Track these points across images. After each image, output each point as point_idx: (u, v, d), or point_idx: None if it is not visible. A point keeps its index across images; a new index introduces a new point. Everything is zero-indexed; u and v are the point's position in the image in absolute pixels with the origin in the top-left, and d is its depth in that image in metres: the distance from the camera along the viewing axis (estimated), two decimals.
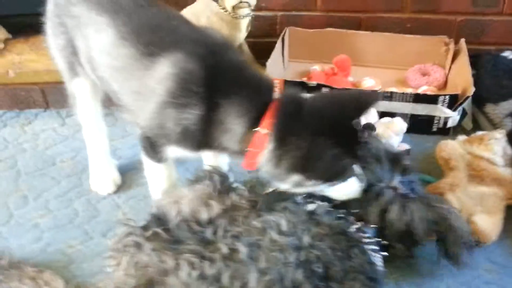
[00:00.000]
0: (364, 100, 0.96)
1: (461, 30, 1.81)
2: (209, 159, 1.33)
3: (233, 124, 0.98)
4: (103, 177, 1.39)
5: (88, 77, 1.22)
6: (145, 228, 0.94)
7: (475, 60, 1.69)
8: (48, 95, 1.71)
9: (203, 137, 0.99)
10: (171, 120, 0.98)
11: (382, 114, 1.55)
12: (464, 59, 1.64)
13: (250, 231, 0.90)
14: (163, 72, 0.98)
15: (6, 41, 1.82)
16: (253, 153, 0.99)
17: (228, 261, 0.85)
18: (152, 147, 1.10)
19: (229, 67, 1.01)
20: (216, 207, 0.95)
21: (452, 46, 1.76)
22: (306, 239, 0.89)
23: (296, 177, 0.96)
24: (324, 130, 0.93)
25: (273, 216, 0.92)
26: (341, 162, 0.95)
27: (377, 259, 0.95)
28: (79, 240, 1.24)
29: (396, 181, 1.07)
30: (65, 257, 1.19)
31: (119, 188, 1.40)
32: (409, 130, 1.56)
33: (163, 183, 1.20)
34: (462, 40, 1.73)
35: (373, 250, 0.95)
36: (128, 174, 1.44)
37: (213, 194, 0.99)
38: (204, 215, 0.94)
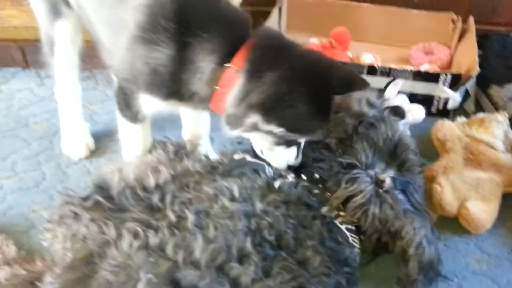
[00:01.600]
0: (352, 81, 0.91)
1: (471, 7, 1.69)
2: (189, 126, 1.25)
3: (202, 61, 0.90)
4: (75, 141, 1.31)
5: (70, 18, 1.15)
6: (85, 198, 0.86)
7: (483, 40, 1.59)
8: (28, 54, 1.62)
9: (173, 81, 0.91)
10: (139, 59, 0.90)
11: (379, 91, 1.46)
12: (471, 39, 1.53)
13: (201, 197, 0.83)
14: (135, 2, 0.90)
15: None
16: (221, 93, 0.92)
17: (175, 230, 0.78)
18: (126, 101, 1.02)
19: (203, 3, 0.93)
20: (165, 173, 0.88)
21: (459, 25, 1.64)
22: (259, 206, 0.82)
23: (255, 117, 0.89)
24: (302, 84, 0.88)
25: (226, 181, 0.85)
26: (308, 120, 0.89)
27: (351, 239, 0.87)
28: (43, 205, 1.17)
29: (387, 175, 0.96)
30: (26, 222, 1.12)
31: (92, 154, 1.32)
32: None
33: (137, 147, 1.13)
34: (471, 18, 1.61)
35: (348, 229, 0.87)
36: (103, 140, 1.36)
37: (164, 161, 0.91)
38: (151, 181, 0.86)
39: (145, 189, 0.87)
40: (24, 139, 1.36)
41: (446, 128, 1.25)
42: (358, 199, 0.89)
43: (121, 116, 1.08)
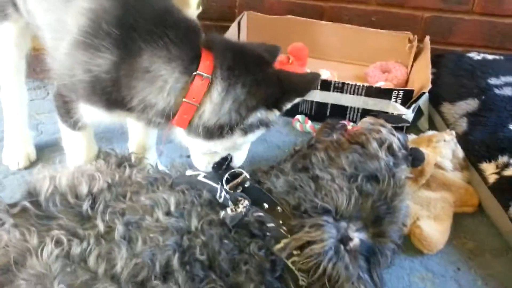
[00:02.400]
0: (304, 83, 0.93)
1: (428, 27, 1.72)
2: (135, 137, 1.22)
3: (161, 70, 0.85)
4: (16, 150, 1.27)
5: (17, 22, 1.12)
6: (13, 204, 0.81)
7: (438, 59, 1.61)
8: None
9: (116, 90, 0.87)
10: (80, 65, 0.86)
11: (332, 107, 1.45)
12: (425, 57, 1.54)
13: (135, 208, 0.79)
14: (79, 6, 0.87)
15: None
16: (188, 105, 0.87)
17: (102, 240, 0.74)
18: (66, 107, 0.98)
19: (153, 9, 0.89)
20: (100, 181, 0.83)
21: (415, 44, 1.66)
22: (195, 223, 0.77)
23: (242, 124, 0.91)
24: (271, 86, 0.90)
25: (165, 194, 0.80)
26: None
27: (301, 281, 0.80)
28: None
29: (358, 235, 0.86)
30: None
31: (33, 164, 1.27)
32: None
33: (81, 155, 1.09)
34: (427, 38, 1.63)
35: (299, 269, 0.81)
36: (47, 150, 1.32)
37: (102, 170, 0.87)
38: (83, 189, 0.81)
39: (76, 196, 0.82)
40: None
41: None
42: (316, 248, 0.81)
43: (61, 123, 1.04)
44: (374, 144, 0.96)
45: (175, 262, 0.71)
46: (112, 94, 0.88)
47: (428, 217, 1.12)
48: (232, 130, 0.91)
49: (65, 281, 0.67)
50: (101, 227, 0.75)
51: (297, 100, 0.94)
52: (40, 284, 0.68)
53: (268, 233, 0.82)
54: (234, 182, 0.93)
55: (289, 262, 0.81)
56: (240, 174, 0.94)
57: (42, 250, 0.71)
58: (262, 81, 0.89)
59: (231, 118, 0.89)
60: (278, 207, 0.87)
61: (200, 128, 0.90)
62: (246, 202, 0.85)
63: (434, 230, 1.10)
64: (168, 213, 0.78)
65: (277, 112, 0.94)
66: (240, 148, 1.03)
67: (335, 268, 0.80)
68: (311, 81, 0.94)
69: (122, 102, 0.89)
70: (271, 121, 0.96)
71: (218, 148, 0.96)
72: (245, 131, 0.93)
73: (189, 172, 0.91)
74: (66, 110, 0.99)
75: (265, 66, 0.92)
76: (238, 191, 0.90)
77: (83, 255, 0.71)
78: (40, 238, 0.73)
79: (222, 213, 0.81)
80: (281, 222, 0.85)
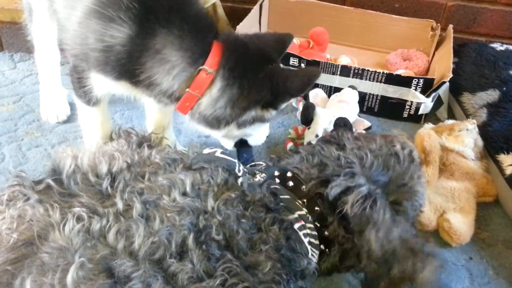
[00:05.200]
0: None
1: (452, 16, 1.69)
2: (152, 116, 1.24)
3: (171, 56, 0.90)
4: (53, 105, 1.35)
5: None
6: (38, 181, 0.84)
7: (460, 48, 1.59)
8: (3, 37, 1.60)
9: (128, 63, 0.90)
10: (93, 34, 0.89)
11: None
12: (448, 46, 1.52)
13: (153, 188, 0.80)
14: None
15: None
16: (191, 95, 0.93)
17: (121, 217, 0.75)
18: (79, 81, 1.01)
19: None
20: (120, 160, 0.85)
21: (438, 32, 1.63)
22: (211, 203, 0.78)
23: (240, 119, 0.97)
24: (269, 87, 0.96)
25: (183, 175, 0.82)
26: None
27: (311, 253, 0.83)
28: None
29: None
30: None
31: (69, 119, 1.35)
32: (378, 114, 1.46)
33: (96, 131, 1.12)
34: (450, 27, 1.61)
35: (310, 243, 0.84)
36: None
37: (122, 150, 0.89)
38: (103, 168, 0.83)
39: (97, 175, 0.84)
40: None
41: (433, 140, 1.20)
42: (358, 192, 0.82)
43: (76, 98, 1.07)
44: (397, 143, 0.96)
45: (190, 241, 0.73)
46: (123, 65, 0.91)
47: (454, 209, 1.12)
48: (227, 123, 0.98)
49: (86, 255, 0.69)
50: (120, 205, 0.77)
51: (292, 100, 0.99)
52: (62, 257, 0.69)
53: (282, 204, 0.84)
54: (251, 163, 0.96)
55: (301, 233, 0.83)
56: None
57: (64, 225, 0.74)
58: (258, 83, 0.95)
59: (226, 113, 0.96)
60: (290, 182, 0.89)
61: (198, 115, 0.97)
62: (263, 175, 0.88)
63: (461, 222, 1.09)
64: (184, 194, 0.79)
65: (272, 111, 1.01)
66: (251, 134, 1.07)
67: (379, 210, 0.81)
68: (306, 82, 0.97)
69: (130, 74, 0.93)
70: (268, 118, 1.02)
71: (218, 136, 1.05)
72: (240, 125, 0.99)
73: (206, 150, 0.92)
74: (80, 84, 1.02)
75: (265, 66, 0.96)
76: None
77: (103, 231, 0.73)
78: (63, 214, 0.75)
79: (240, 179, 0.84)
80: (303, 188, 0.87)
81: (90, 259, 0.68)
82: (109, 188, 0.80)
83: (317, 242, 0.85)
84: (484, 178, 1.20)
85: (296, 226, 0.82)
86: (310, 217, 0.85)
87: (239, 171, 0.86)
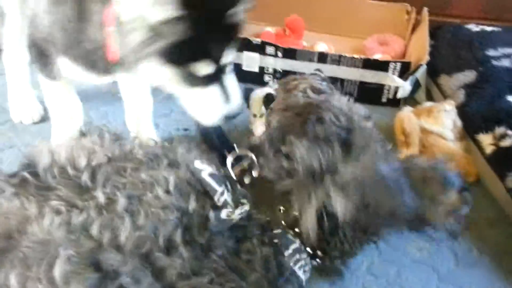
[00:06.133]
0: None
1: None
2: (131, 110, 1.21)
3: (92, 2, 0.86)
4: (25, 106, 1.32)
5: None
6: (12, 175, 0.81)
7: (436, 31, 1.59)
8: None
9: (78, 38, 0.89)
10: (54, 17, 0.90)
11: (330, 80, 1.44)
12: (424, 29, 1.53)
13: (136, 183, 0.78)
14: None
15: None
16: (108, 33, 0.85)
17: (103, 211, 0.73)
18: (40, 53, 1.00)
19: None
20: (100, 154, 0.82)
21: (413, 16, 1.64)
22: (192, 205, 0.76)
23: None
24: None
25: (166, 172, 0.80)
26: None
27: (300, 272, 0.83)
28: None
29: None
30: None
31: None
32: (357, 100, 1.44)
33: (64, 110, 1.10)
34: (425, 10, 1.61)
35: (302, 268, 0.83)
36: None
37: (100, 144, 0.86)
38: (82, 161, 0.80)
39: (75, 168, 0.81)
40: None
41: (413, 123, 1.22)
42: None
43: (40, 73, 1.05)
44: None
45: (178, 237, 0.71)
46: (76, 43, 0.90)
47: None
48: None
49: (69, 248, 0.67)
50: (101, 199, 0.74)
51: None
52: (44, 251, 0.67)
53: (275, 240, 0.81)
54: (240, 167, 0.91)
55: (296, 268, 0.81)
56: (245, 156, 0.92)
57: (42, 218, 0.71)
58: None
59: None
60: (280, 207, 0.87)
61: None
62: (245, 208, 0.82)
63: None
64: (167, 192, 0.77)
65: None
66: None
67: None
68: None
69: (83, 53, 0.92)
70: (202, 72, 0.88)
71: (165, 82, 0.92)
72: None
73: (198, 164, 0.85)
74: (43, 59, 1.01)
75: None
76: (246, 181, 0.89)
77: (85, 225, 0.71)
78: (40, 207, 0.73)
79: (211, 213, 0.78)
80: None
81: (76, 253, 0.66)
82: (88, 182, 0.77)
83: (309, 266, 0.84)
84: (464, 158, 1.21)
85: (292, 263, 0.81)
86: (303, 247, 0.84)
87: (218, 201, 0.80)
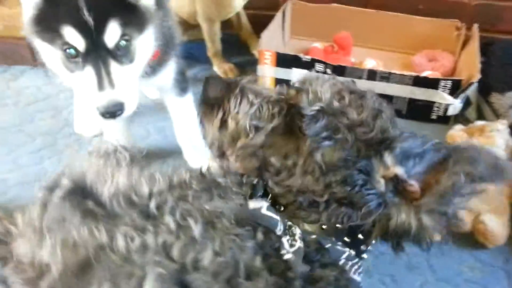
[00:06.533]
0: None
1: (476, 15, 1.68)
2: (179, 129, 1.27)
3: None
4: (87, 120, 1.35)
5: None
6: (79, 202, 0.80)
7: (486, 47, 1.58)
8: (36, 53, 1.65)
9: None
10: None
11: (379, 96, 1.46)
12: (474, 46, 1.53)
13: (202, 211, 0.77)
14: None
15: None
16: None
17: (180, 234, 0.73)
18: None
19: None
20: (161, 182, 0.83)
21: (463, 32, 1.64)
22: (260, 237, 0.75)
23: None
24: None
25: (225, 203, 0.79)
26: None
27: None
28: None
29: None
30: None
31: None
32: (406, 116, 1.47)
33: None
34: (475, 26, 1.61)
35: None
36: None
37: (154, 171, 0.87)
38: (145, 189, 0.81)
39: (139, 195, 0.81)
40: (29, 134, 1.40)
41: (465, 140, 1.23)
42: None
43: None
44: None
45: (258, 263, 0.71)
46: None
47: (488, 211, 1.12)
48: None
49: (156, 271, 0.67)
50: (172, 225, 0.74)
51: None
52: (127, 272, 0.68)
53: (333, 258, 0.78)
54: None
55: (355, 276, 0.80)
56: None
57: (116, 244, 0.72)
58: None
59: None
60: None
61: None
62: (298, 230, 0.78)
63: (496, 224, 1.10)
64: (232, 222, 0.76)
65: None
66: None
67: None
68: None
69: None
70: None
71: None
72: None
73: (252, 205, 0.81)
74: None
75: None
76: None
77: (164, 247, 0.71)
78: (111, 234, 0.73)
79: (285, 253, 0.75)
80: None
81: (161, 274, 0.67)
82: (154, 209, 0.78)
83: (359, 264, 0.81)
84: None
85: (352, 274, 0.79)
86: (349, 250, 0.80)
87: (279, 230, 0.77)
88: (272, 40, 1.61)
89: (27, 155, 1.33)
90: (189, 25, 1.65)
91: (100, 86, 0.81)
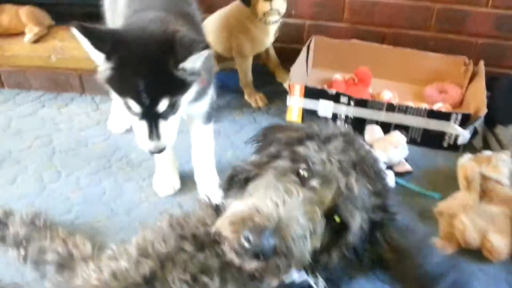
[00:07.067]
0: (192, 44, 1.02)
1: (482, 52, 1.87)
2: (196, 152, 1.41)
3: None
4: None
5: None
6: None
7: (491, 82, 1.76)
8: (85, 81, 1.83)
9: None
10: None
11: (396, 127, 1.64)
12: (480, 80, 1.71)
13: None
14: None
15: (49, 28, 1.96)
16: None
17: None
18: None
19: None
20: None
21: (471, 67, 1.82)
22: None
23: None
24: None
25: None
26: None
27: None
28: (105, 215, 1.36)
29: None
30: (92, 230, 1.31)
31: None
32: (420, 144, 1.64)
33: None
34: (481, 62, 1.79)
35: None
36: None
37: None
38: None
39: None
40: (84, 158, 1.57)
41: (475, 170, 1.39)
42: None
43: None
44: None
45: None
46: None
47: (493, 231, 1.28)
48: None
49: None
50: None
51: None
52: None
53: None
54: None
55: None
56: None
57: None
58: None
59: None
60: None
61: None
62: (320, 279, 0.89)
63: (500, 242, 1.26)
64: None
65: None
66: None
67: None
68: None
69: None
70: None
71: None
72: None
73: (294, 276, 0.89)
74: None
75: None
76: None
77: None
78: None
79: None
80: None
81: None
82: None
83: None
84: None
85: None
86: None
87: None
88: (298, 72, 1.78)
89: (86, 177, 1.49)
90: (223, 58, 1.83)
91: (150, 137, 1.10)
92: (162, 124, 1.08)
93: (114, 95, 1.09)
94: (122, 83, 1.03)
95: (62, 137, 1.65)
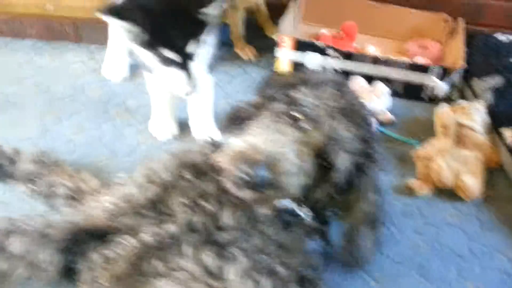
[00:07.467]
0: None
1: (461, 10, 1.95)
2: (192, 107, 1.49)
3: None
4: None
5: None
6: None
7: (469, 39, 1.86)
8: (80, 30, 1.86)
9: None
10: None
11: (379, 79, 1.73)
12: (460, 37, 1.81)
13: None
14: None
15: None
16: None
17: None
18: None
19: None
20: None
21: (450, 24, 1.91)
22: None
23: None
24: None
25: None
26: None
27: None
28: (106, 156, 1.44)
29: None
30: (96, 169, 1.38)
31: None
32: (402, 96, 1.75)
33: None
34: (460, 19, 1.89)
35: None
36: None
37: None
38: None
39: None
40: (82, 104, 1.62)
41: (450, 117, 1.51)
42: None
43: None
44: None
45: None
46: None
47: (467, 172, 1.40)
48: None
49: None
50: None
51: None
52: None
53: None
54: None
55: None
56: None
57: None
58: None
59: None
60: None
61: None
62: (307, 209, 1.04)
63: (472, 182, 1.39)
64: None
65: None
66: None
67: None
68: None
69: None
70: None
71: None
72: None
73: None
74: None
75: None
76: None
77: None
78: None
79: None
80: None
81: None
82: None
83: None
84: (490, 148, 1.50)
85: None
86: None
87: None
88: (286, 26, 1.85)
89: (86, 121, 1.55)
90: None
91: (187, 81, 1.23)
92: (192, 66, 1.21)
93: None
94: (156, 39, 1.14)
95: (59, 84, 1.70)
